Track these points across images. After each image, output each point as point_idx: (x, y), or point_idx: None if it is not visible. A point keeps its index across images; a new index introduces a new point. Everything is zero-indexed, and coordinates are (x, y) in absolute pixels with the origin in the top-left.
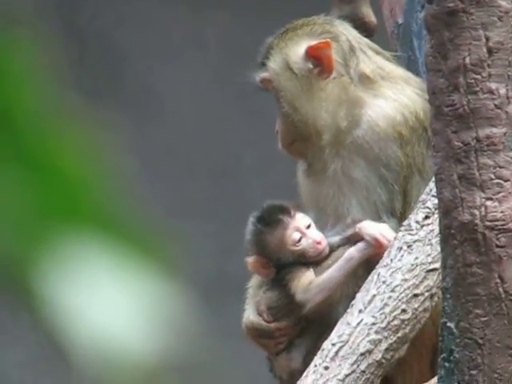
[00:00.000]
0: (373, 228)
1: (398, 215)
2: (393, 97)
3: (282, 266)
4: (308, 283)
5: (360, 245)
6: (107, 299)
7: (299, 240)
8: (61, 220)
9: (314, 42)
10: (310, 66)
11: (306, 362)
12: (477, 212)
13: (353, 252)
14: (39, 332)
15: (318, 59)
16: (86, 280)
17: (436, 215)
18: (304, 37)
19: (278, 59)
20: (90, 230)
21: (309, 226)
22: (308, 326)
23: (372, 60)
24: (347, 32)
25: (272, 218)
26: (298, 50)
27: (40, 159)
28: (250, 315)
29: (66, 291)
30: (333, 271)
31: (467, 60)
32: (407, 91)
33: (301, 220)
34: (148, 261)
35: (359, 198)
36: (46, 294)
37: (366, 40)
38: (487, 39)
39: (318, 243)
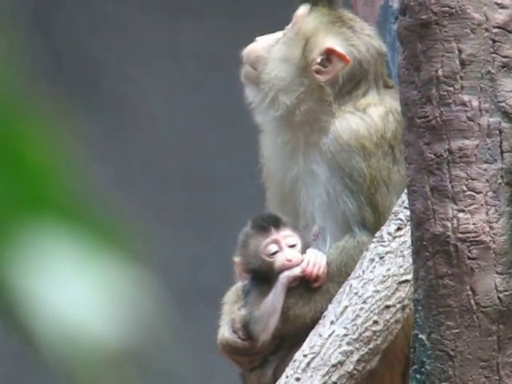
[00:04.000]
0: (311, 257)
1: (371, 227)
2: (362, 115)
3: (257, 276)
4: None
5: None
6: (73, 287)
7: (274, 253)
8: (26, 209)
9: (340, 50)
10: (318, 59)
11: (275, 376)
12: (449, 224)
13: (285, 272)
14: (5, 321)
15: (327, 62)
16: (51, 268)
17: (408, 227)
18: (339, 35)
19: (312, 23)
20: (55, 219)
21: (292, 246)
22: (282, 343)
23: (369, 95)
24: (373, 61)
25: (259, 224)
26: (324, 39)
27: (6, 150)
28: (225, 332)
29: (31, 279)
30: (272, 295)
31: (440, 72)
32: (381, 112)
33: (286, 236)
34: (113, 249)
35: (324, 202)
36: (12, 283)
37: (384, 70)
38: (460, 51)
39: (289, 261)
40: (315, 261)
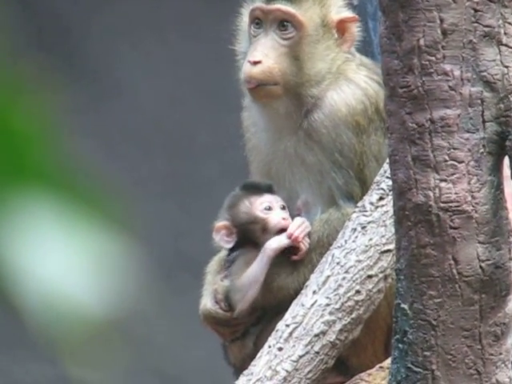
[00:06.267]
0: (293, 224)
1: (358, 200)
2: (362, 85)
3: (242, 240)
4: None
5: (279, 237)
6: (58, 256)
7: (268, 208)
8: (12, 178)
9: (347, 14)
10: (335, 35)
11: (256, 347)
12: (431, 193)
13: (271, 244)
14: None
15: (341, 32)
16: (36, 238)
17: (390, 197)
18: (334, 4)
19: (317, 10)
20: (39, 187)
21: (283, 208)
22: (264, 315)
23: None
24: None
25: (253, 185)
26: (331, 14)
27: None
28: (207, 303)
29: (17, 249)
30: (255, 265)
31: (422, 41)
32: (376, 82)
33: (278, 200)
34: (98, 218)
35: (311, 181)
36: None
37: None
38: (441, 21)
39: (284, 219)
40: (300, 224)
